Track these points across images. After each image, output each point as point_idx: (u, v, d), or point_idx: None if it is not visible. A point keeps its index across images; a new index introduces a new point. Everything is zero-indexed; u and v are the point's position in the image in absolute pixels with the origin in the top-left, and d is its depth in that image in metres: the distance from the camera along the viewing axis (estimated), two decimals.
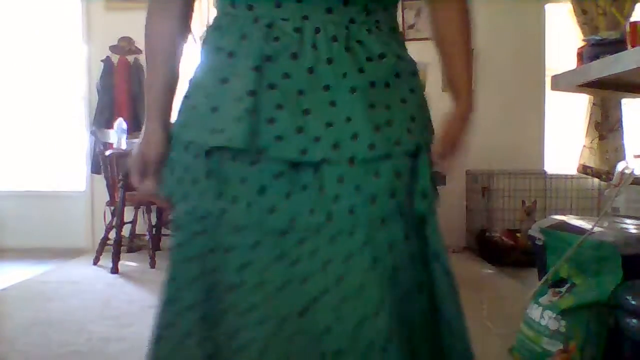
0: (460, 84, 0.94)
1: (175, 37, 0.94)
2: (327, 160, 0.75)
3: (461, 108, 0.93)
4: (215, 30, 0.86)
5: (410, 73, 0.87)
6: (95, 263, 3.50)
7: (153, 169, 0.90)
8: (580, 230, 1.73)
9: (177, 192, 0.84)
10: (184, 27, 0.95)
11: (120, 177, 3.34)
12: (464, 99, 0.93)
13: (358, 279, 0.73)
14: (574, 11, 3.96)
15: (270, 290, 0.76)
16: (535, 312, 1.70)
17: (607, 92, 1.96)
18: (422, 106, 0.89)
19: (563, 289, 1.67)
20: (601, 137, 3.98)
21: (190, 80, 0.89)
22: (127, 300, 2.64)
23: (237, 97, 0.77)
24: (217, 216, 0.78)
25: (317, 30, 0.77)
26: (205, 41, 0.87)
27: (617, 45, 1.65)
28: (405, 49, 0.90)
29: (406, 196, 0.79)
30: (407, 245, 0.78)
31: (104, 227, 3.57)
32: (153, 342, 0.91)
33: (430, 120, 0.91)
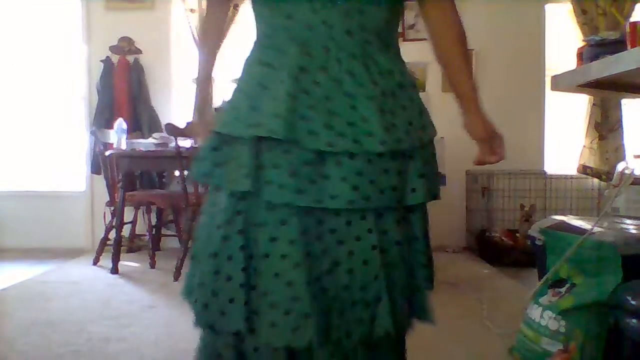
0: (464, 88, 1.12)
1: (219, 39, 1.24)
2: (351, 151, 0.94)
3: (476, 114, 1.13)
4: (257, 47, 1.06)
5: (410, 85, 1.07)
6: (95, 263, 3.50)
7: (208, 127, 1.10)
8: (580, 231, 1.73)
9: (223, 177, 1.00)
10: (222, 33, 1.27)
11: (120, 177, 3.34)
12: (474, 104, 1.13)
13: (363, 257, 0.97)
14: (574, 11, 3.96)
15: (294, 261, 0.94)
16: (535, 312, 1.70)
17: (607, 92, 1.96)
18: (420, 111, 1.07)
19: (563, 289, 1.67)
20: (601, 137, 3.98)
21: (234, 89, 1.07)
22: (127, 300, 2.64)
23: (276, 98, 0.95)
24: (254, 196, 0.94)
25: (341, 49, 0.97)
26: (249, 56, 1.07)
27: (617, 46, 1.65)
28: (405, 67, 1.09)
29: (401, 190, 1.00)
30: (398, 230, 1.01)
31: (104, 227, 3.57)
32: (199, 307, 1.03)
33: (429, 122, 1.09)
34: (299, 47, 0.97)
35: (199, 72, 1.23)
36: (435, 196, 1.09)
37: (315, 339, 0.93)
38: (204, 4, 4.06)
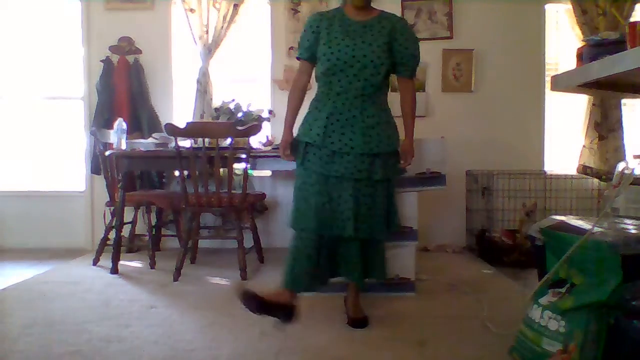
0: (407, 129, 2.25)
1: (300, 100, 2.27)
2: (348, 152, 2.09)
3: (408, 142, 2.25)
4: (316, 100, 2.20)
5: (384, 123, 2.15)
6: (95, 263, 3.50)
7: (290, 150, 2.23)
8: (580, 231, 1.73)
9: (302, 159, 2.17)
10: (304, 96, 2.28)
11: (120, 177, 3.33)
12: (409, 138, 2.25)
13: (345, 198, 2.09)
14: (574, 11, 3.96)
15: (316, 192, 2.11)
16: (535, 313, 1.71)
17: (607, 92, 1.96)
18: (388, 136, 2.14)
19: (563, 290, 1.67)
20: (601, 138, 3.98)
21: (305, 117, 2.22)
22: (127, 300, 2.64)
23: (318, 126, 2.12)
24: (304, 166, 2.16)
25: (351, 104, 2.11)
26: (312, 102, 2.21)
27: (616, 46, 1.64)
28: (384, 112, 2.17)
29: (371, 172, 2.11)
30: (370, 190, 2.13)
31: (104, 227, 3.57)
32: (297, 208, 2.16)
33: (393, 141, 2.17)
34: (332, 103, 2.12)
35: (287, 122, 2.23)
36: (388, 179, 2.19)
37: (317, 227, 2.07)
38: (204, 4, 4.07)
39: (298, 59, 2.25)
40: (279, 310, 1.97)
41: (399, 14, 4.15)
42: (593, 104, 3.99)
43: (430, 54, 4.05)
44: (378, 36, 2.11)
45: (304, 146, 2.14)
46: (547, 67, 4.16)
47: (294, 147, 2.21)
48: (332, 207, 2.09)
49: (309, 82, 2.25)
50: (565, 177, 3.98)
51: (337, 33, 2.12)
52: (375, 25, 2.14)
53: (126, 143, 3.33)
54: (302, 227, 2.10)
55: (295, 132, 2.24)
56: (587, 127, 4.02)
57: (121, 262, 3.33)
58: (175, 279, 3.05)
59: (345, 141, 2.07)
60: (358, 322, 2.24)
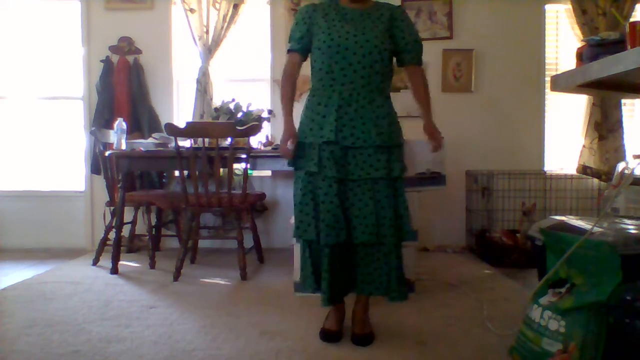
0: (425, 113, 2.15)
1: (295, 89, 2.12)
2: (361, 146, 1.98)
3: (429, 123, 2.14)
4: (314, 95, 2.07)
5: (393, 114, 2.07)
6: (95, 263, 3.50)
7: (291, 142, 2.05)
8: (580, 231, 1.73)
9: (303, 164, 2.04)
10: (296, 86, 2.13)
11: (120, 177, 3.33)
12: (428, 120, 2.14)
13: (365, 202, 1.96)
14: (574, 11, 3.96)
15: (336, 204, 1.94)
16: (535, 313, 1.70)
17: (607, 92, 1.96)
18: (397, 128, 2.06)
19: (563, 290, 1.67)
20: (601, 138, 3.98)
21: (304, 116, 2.08)
22: (127, 300, 2.64)
23: (329, 122, 1.98)
24: (318, 173, 1.98)
25: (359, 94, 1.99)
26: (310, 99, 2.09)
27: (616, 46, 1.65)
28: (389, 103, 2.08)
29: (388, 168, 1.99)
30: (388, 189, 1.98)
31: (104, 228, 3.57)
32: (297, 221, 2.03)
33: (400, 134, 2.07)
34: (338, 95, 1.99)
35: (287, 112, 2.07)
36: (402, 173, 2.03)
37: (345, 239, 1.96)
38: (204, 4, 4.07)
39: (289, 51, 2.11)
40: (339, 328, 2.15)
41: None
42: (593, 104, 3.99)
43: (430, 54, 4.05)
44: (378, 22, 2.03)
45: (316, 150, 1.98)
46: (547, 67, 4.16)
47: (298, 147, 2.05)
48: (351, 213, 1.96)
49: (299, 74, 2.13)
50: (565, 177, 3.98)
51: (335, 21, 2.02)
52: (373, 13, 2.06)
53: (126, 143, 3.33)
54: (324, 242, 1.93)
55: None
56: (587, 127, 4.02)
57: (121, 262, 3.33)
58: (175, 279, 3.05)
59: (358, 135, 1.95)
60: (362, 338, 2.04)
